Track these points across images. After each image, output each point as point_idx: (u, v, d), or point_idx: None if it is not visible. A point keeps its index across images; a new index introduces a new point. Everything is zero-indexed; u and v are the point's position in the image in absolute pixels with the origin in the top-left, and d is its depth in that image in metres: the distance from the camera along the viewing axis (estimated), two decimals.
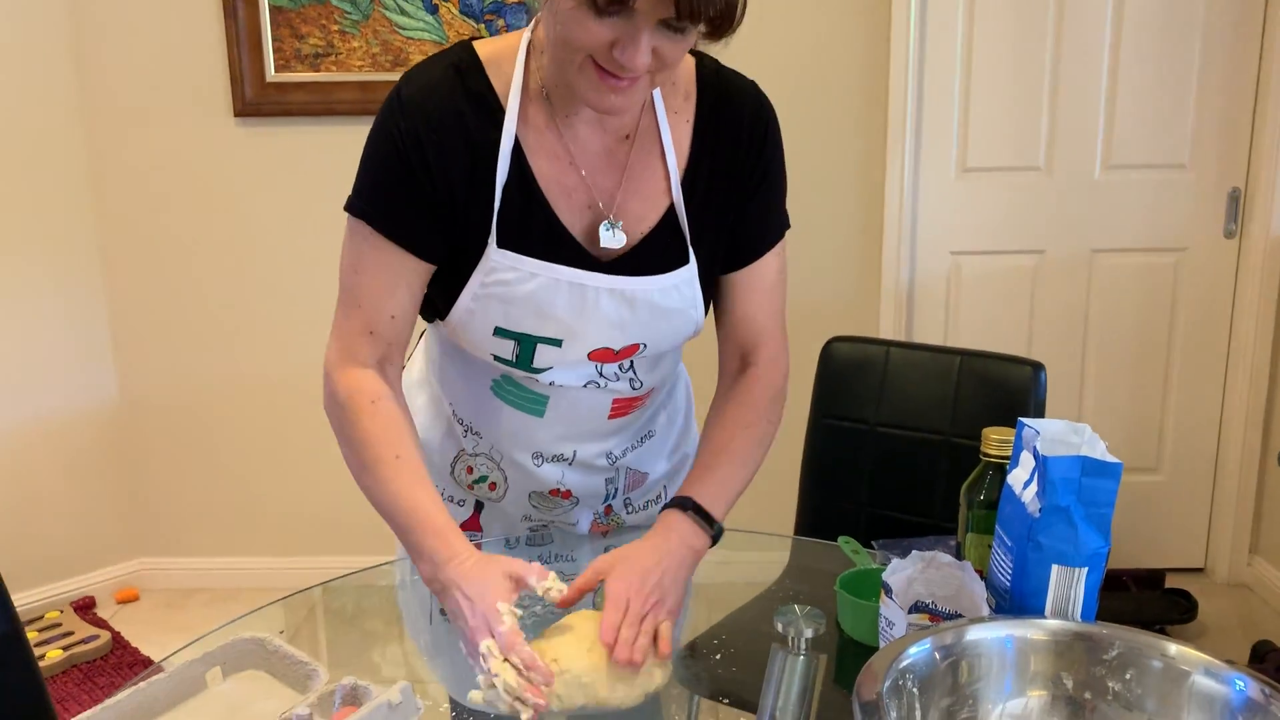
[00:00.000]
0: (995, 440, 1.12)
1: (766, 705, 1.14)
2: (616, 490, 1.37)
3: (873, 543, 1.34)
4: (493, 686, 0.99)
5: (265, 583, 3.22)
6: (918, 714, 0.88)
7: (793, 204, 1.30)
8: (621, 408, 1.28)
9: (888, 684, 0.85)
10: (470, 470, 1.35)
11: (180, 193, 3.02)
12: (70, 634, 2.83)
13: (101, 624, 2.96)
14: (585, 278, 1.15)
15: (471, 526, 1.41)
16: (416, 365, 1.40)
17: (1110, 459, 0.95)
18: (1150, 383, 3.08)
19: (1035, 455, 0.99)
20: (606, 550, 1.41)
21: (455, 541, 1.07)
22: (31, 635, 2.82)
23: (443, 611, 1.34)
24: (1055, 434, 1.02)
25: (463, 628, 1.04)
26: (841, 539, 1.32)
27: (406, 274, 1.15)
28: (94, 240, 3.03)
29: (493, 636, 1.01)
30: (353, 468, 1.16)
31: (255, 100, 2.91)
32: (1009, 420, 1.84)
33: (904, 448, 1.90)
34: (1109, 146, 2.94)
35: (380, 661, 1.32)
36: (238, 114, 2.93)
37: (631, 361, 1.24)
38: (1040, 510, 0.96)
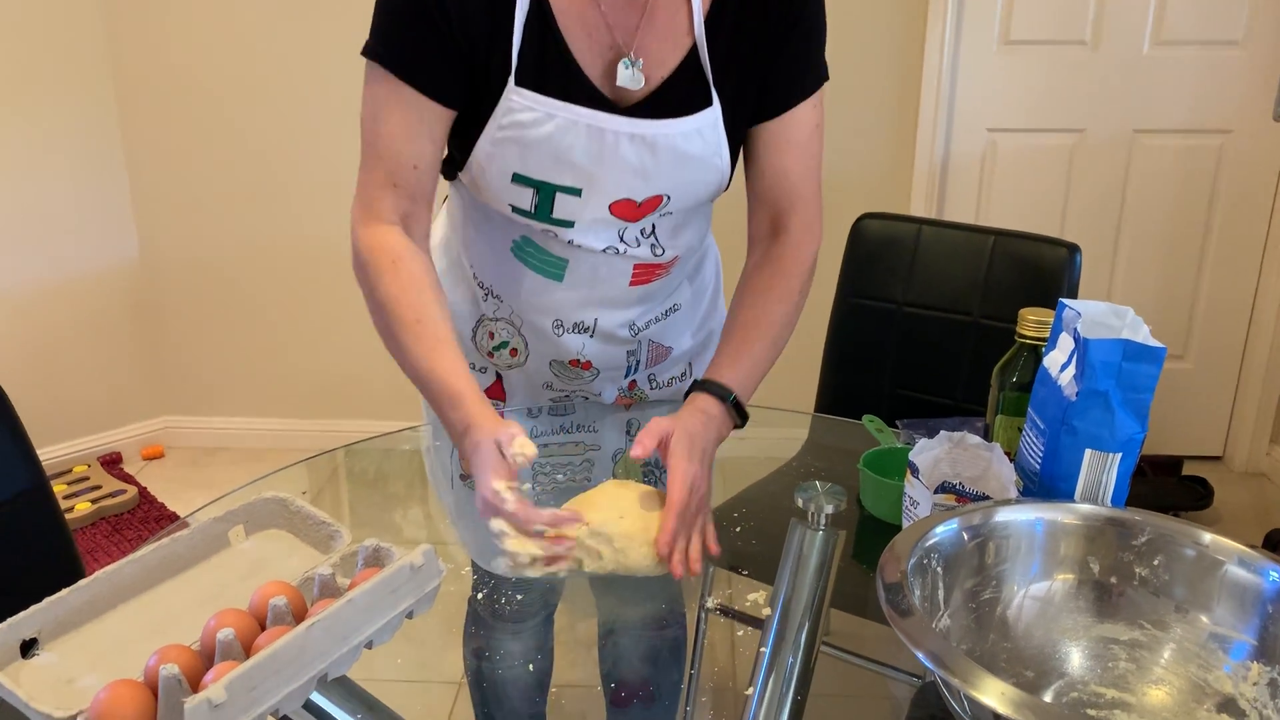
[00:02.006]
0: (1032, 321, 1.09)
1: (784, 578, 1.15)
2: (638, 363, 1.35)
3: (897, 422, 1.33)
4: (522, 564, 0.99)
5: (290, 444, 3.26)
6: (940, 593, 0.88)
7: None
8: (643, 274, 1.25)
9: (912, 562, 0.84)
10: (491, 336, 1.33)
11: (200, 41, 2.94)
12: (98, 488, 2.89)
13: (128, 479, 3.01)
14: (604, 120, 1.10)
15: (495, 394, 1.40)
16: (439, 230, 1.37)
17: (1153, 343, 0.92)
18: (1183, 269, 3.02)
19: (1075, 337, 0.96)
20: (629, 425, 1.41)
21: (471, 410, 1.04)
22: (60, 488, 2.88)
23: (463, 476, 1.36)
24: (1096, 316, 0.99)
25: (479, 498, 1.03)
26: (866, 417, 1.30)
27: (427, 120, 1.11)
28: (111, 92, 2.97)
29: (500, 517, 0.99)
30: (379, 330, 1.14)
31: None
32: (1040, 303, 1.81)
33: (931, 329, 1.87)
34: (1160, 20, 2.81)
35: (403, 523, 1.33)
36: None
37: (654, 225, 1.20)
38: (1077, 394, 0.94)
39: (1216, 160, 2.92)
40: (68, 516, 2.69)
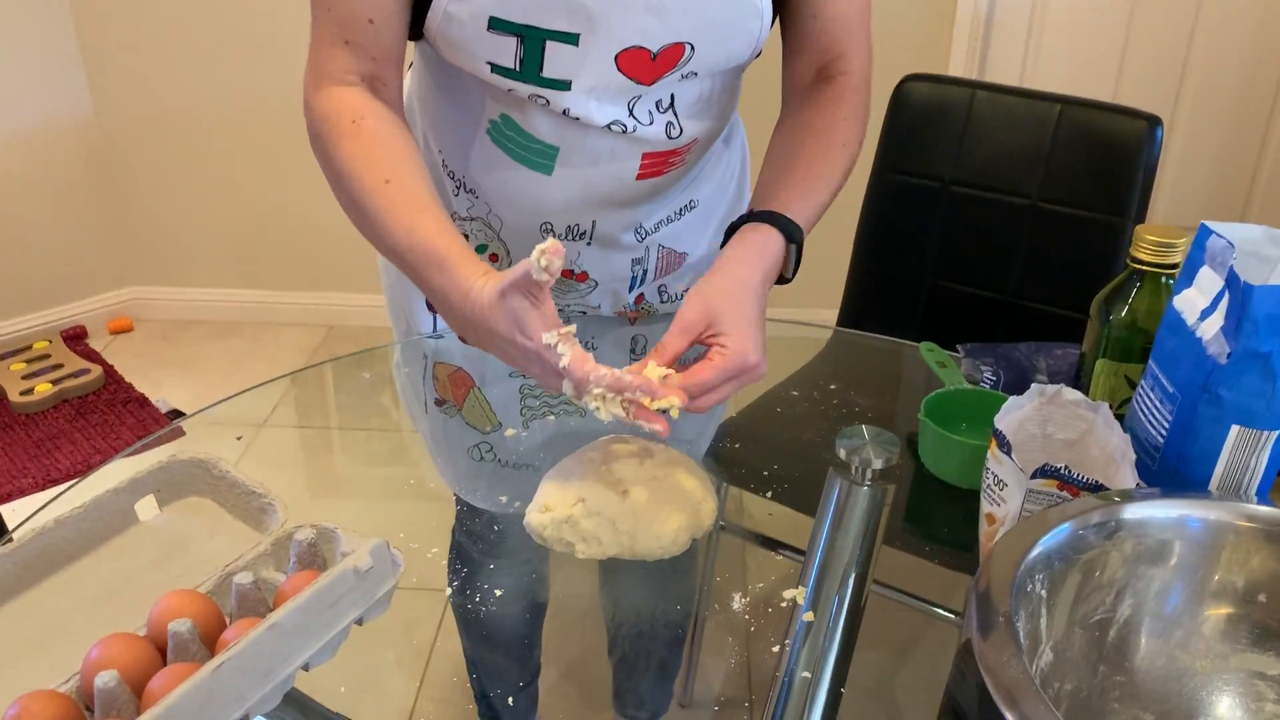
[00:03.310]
0: (1153, 243, 0.85)
1: (819, 540, 0.95)
2: (645, 274, 1.12)
3: (957, 347, 1.10)
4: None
5: (268, 317, 3.04)
6: (1044, 619, 0.67)
7: None
8: (653, 165, 1.01)
9: (1015, 587, 0.63)
10: (465, 238, 1.09)
11: None
12: (59, 367, 2.68)
13: (93, 356, 2.80)
14: None
15: None
16: None
17: None
18: (1246, 139, 2.73)
19: (1230, 278, 0.72)
20: (635, 342, 1.19)
21: (465, 270, 0.83)
22: (18, 368, 2.67)
23: (438, 402, 1.15)
24: (1248, 243, 0.76)
25: (527, 372, 0.83)
26: (924, 346, 1.08)
27: None
28: None
29: (562, 377, 0.80)
30: (344, 207, 0.92)
31: None
32: (1110, 185, 1.56)
33: (982, 212, 1.63)
34: None
35: (380, 450, 1.13)
36: None
37: (673, 95, 0.95)
38: (1229, 355, 0.71)
39: None
40: (26, 400, 2.50)
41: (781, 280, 0.94)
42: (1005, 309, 1.63)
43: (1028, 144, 1.61)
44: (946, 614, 0.89)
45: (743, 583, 0.92)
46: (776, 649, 0.80)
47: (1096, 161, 1.56)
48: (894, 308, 1.73)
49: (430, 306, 1.18)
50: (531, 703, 0.85)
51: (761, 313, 0.87)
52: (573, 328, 0.80)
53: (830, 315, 1.70)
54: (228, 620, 0.72)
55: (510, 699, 0.83)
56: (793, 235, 0.91)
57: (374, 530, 1.00)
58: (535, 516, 0.86)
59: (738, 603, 0.86)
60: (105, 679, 0.63)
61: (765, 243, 0.90)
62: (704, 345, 0.85)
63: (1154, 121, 1.55)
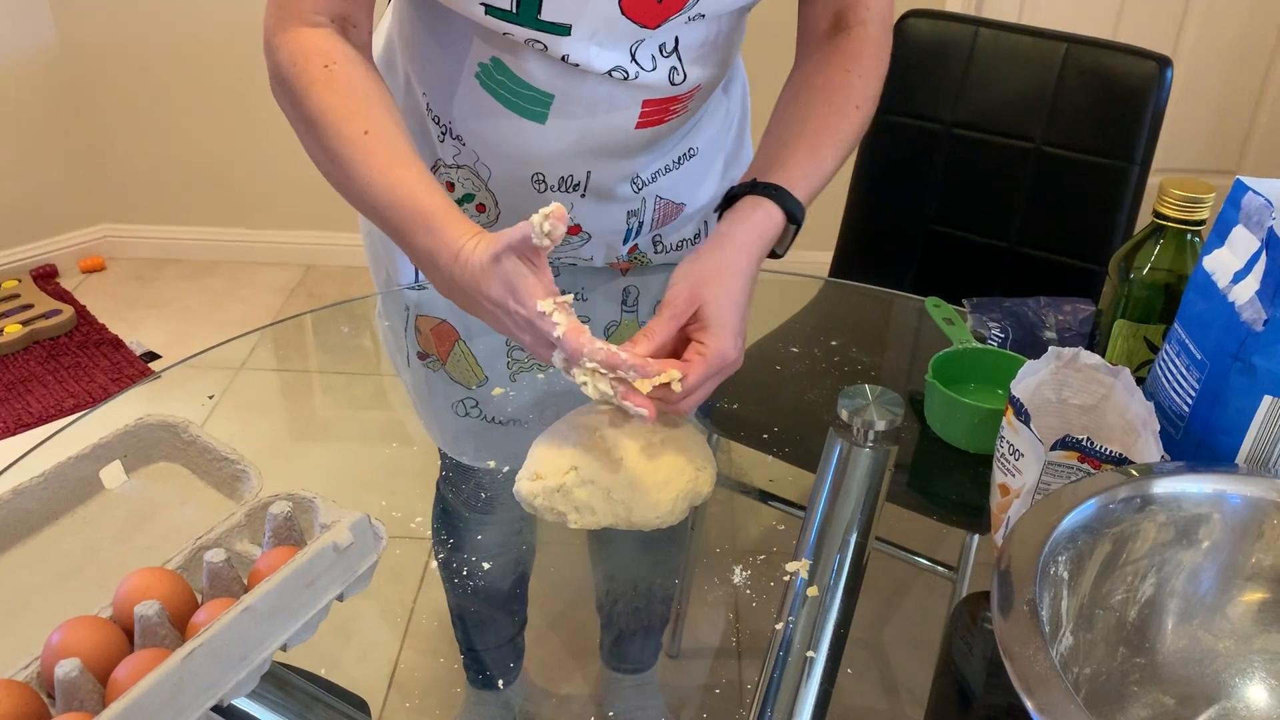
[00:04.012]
0: (1179, 198, 0.81)
1: (818, 502, 0.92)
2: (641, 225, 1.06)
3: (963, 301, 1.06)
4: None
5: (245, 256, 2.97)
6: (1065, 601, 0.64)
7: None
8: (654, 113, 0.95)
9: (1039, 569, 0.60)
10: (451, 187, 1.04)
11: None
12: (29, 307, 2.61)
13: (65, 296, 2.73)
14: None
15: None
16: (379, 41, 1.05)
17: None
18: (1247, 82, 2.67)
19: (1270, 239, 0.68)
20: (627, 293, 1.14)
21: (452, 230, 0.78)
22: None
23: (421, 355, 1.10)
24: None
25: (518, 340, 0.79)
26: (929, 301, 1.03)
27: None
28: None
29: (554, 347, 0.76)
30: (315, 158, 0.86)
31: None
32: (1117, 127, 1.51)
33: (984, 155, 1.58)
34: None
35: (361, 394, 1.09)
36: None
37: (678, 38, 0.89)
38: (1266, 321, 0.67)
39: None
40: None
41: (772, 255, 0.89)
42: (1006, 257, 1.59)
43: (1032, 85, 1.55)
44: (938, 568, 0.87)
45: (731, 534, 0.89)
46: (770, 612, 0.77)
47: (1103, 104, 1.50)
48: (889, 255, 1.68)
49: None
50: (518, 654, 0.83)
51: (747, 297, 0.83)
52: (569, 297, 0.75)
53: (822, 259, 1.65)
54: (199, 599, 0.68)
55: (496, 652, 0.80)
56: (795, 215, 0.86)
57: (356, 475, 0.97)
58: (525, 485, 0.81)
59: (726, 554, 0.83)
60: (67, 668, 0.59)
61: (765, 224, 0.85)
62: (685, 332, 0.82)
63: (1164, 62, 1.49)
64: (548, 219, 0.70)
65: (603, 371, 0.74)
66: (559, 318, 0.73)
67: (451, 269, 0.77)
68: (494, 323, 0.78)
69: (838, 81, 0.92)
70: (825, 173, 0.90)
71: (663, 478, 0.80)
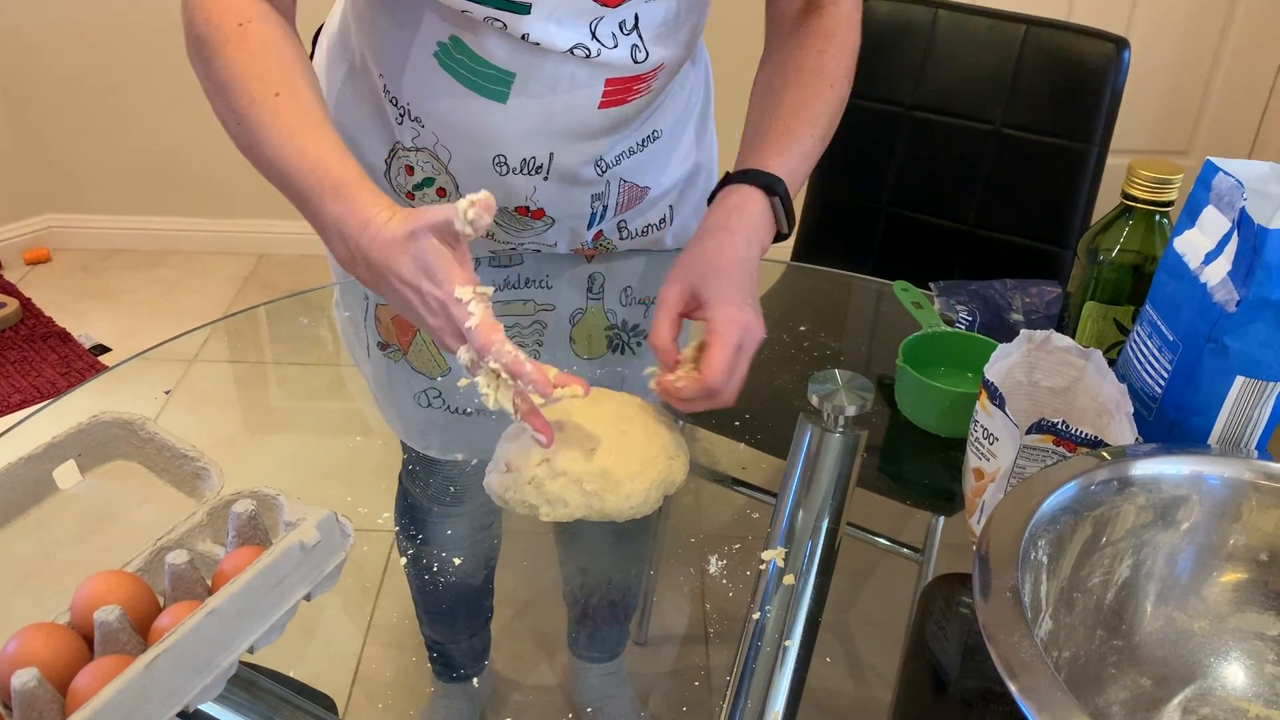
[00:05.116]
0: (1147, 179, 0.81)
1: (789, 489, 0.91)
2: (605, 209, 1.05)
3: (930, 285, 1.06)
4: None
5: (194, 245, 2.91)
6: (1044, 585, 0.64)
7: None
8: (616, 93, 0.93)
9: (1021, 553, 0.60)
10: (410, 171, 1.01)
11: None
12: None
13: (9, 289, 2.66)
14: None
15: None
16: (333, 24, 1.02)
17: None
18: (1197, 62, 2.70)
19: (1240, 220, 0.68)
20: (592, 280, 1.12)
21: (364, 199, 0.74)
22: None
23: (382, 346, 1.08)
24: (1254, 181, 0.71)
25: (422, 325, 0.75)
26: (898, 285, 1.03)
27: None
28: None
29: (464, 340, 0.72)
30: (224, 121, 0.82)
31: None
32: (1077, 108, 1.52)
33: (943, 137, 1.59)
34: None
35: (318, 385, 1.07)
36: None
37: (638, 15, 0.87)
38: (1238, 302, 0.67)
39: None
40: None
41: (779, 236, 0.88)
42: (965, 239, 1.59)
43: (992, 67, 1.55)
44: (903, 550, 0.88)
45: (697, 519, 0.89)
46: (741, 599, 0.76)
47: (1062, 85, 1.51)
48: (850, 237, 1.68)
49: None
50: (485, 645, 0.81)
51: (746, 273, 0.82)
52: (489, 289, 0.72)
53: (785, 243, 1.65)
54: (161, 603, 0.66)
55: (463, 645, 0.79)
56: (772, 188, 0.85)
57: (317, 469, 0.95)
58: (496, 478, 0.80)
59: (694, 539, 0.82)
60: (24, 678, 0.56)
61: (741, 205, 0.84)
62: (695, 320, 0.81)
63: (1121, 44, 1.50)
64: (474, 205, 0.68)
65: (509, 382, 0.72)
66: (475, 308, 0.70)
67: (359, 238, 0.73)
68: (398, 302, 0.74)
69: (811, 63, 0.92)
70: (802, 148, 0.89)
71: (635, 467, 0.79)
